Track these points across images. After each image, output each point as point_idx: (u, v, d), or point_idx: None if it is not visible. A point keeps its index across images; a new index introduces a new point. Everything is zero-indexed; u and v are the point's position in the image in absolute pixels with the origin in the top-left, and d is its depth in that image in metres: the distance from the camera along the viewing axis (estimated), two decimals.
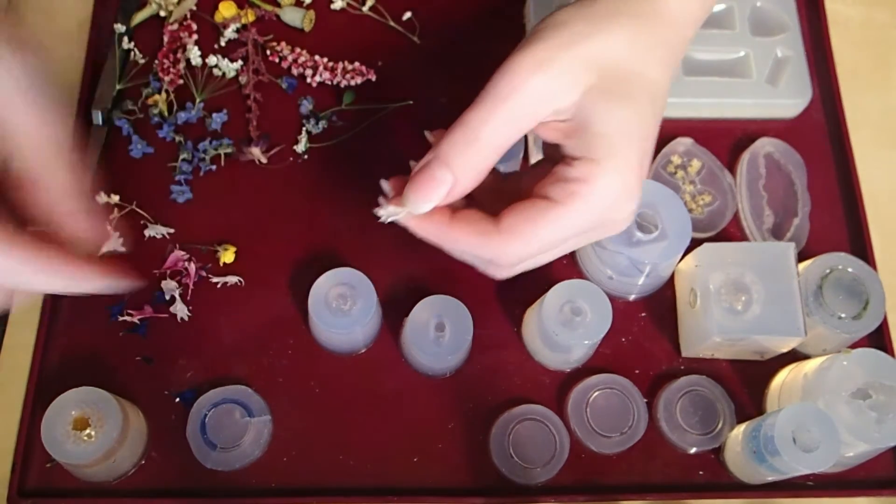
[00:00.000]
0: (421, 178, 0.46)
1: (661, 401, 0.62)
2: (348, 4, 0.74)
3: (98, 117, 0.68)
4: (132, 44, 0.71)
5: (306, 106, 0.70)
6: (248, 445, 0.60)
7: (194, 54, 0.70)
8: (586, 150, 0.48)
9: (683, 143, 0.70)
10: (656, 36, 0.50)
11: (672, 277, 0.66)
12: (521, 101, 0.46)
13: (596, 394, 0.62)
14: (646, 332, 0.65)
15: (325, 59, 0.71)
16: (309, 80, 0.71)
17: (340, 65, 0.71)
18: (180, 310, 0.63)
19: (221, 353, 0.63)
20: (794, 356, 0.63)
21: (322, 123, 0.69)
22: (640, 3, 0.49)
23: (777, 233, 0.68)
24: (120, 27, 0.70)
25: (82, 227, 0.42)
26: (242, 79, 0.70)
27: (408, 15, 0.74)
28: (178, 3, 0.72)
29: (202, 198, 0.67)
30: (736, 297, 0.60)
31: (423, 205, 0.47)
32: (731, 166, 0.70)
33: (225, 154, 0.68)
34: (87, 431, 0.55)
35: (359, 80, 0.71)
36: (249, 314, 0.64)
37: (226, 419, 0.60)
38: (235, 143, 0.69)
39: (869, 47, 0.76)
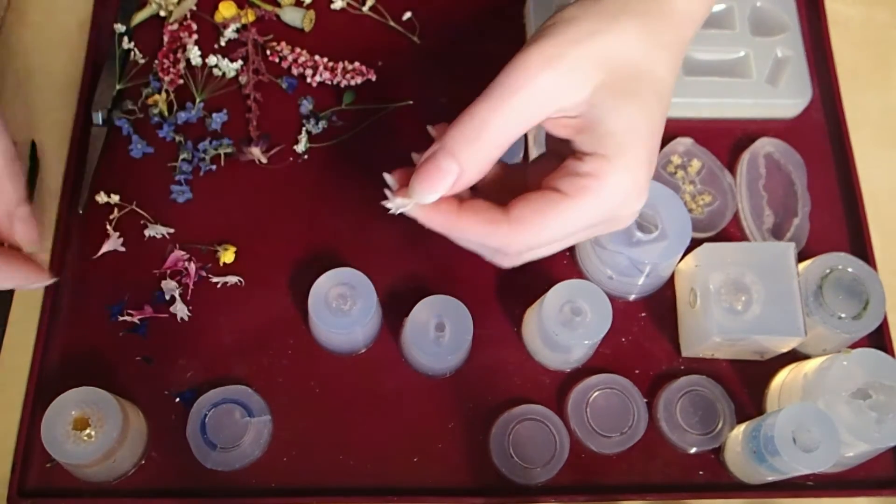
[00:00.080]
0: (427, 169, 0.47)
1: (661, 401, 0.62)
2: (348, 4, 0.74)
3: (98, 117, 0.68)
4: (132, 44, 0.71)
5: (306, 106, 0.70)
6: (248, 445, 0.60)
7: (194, 54, 0.70)
8: (597, 147, 0.48)
9: (683, 143, 0.70)
10: (663, 34, 0.50)
11: (672, 277, 0.66)
12: (530, 96, 0.47)
13: (596, 394, 0.62)
14: (646, 332, 0.65)
15: (325, 59, 0.71)
16: (309, 80, 0.71)
17: (340, 65, 0.71)
18: (180, 310, 0.63)
19: (221, 353, 0.63)
20: (794, 356, 0.63)
21: (322, 123, 0.69)
22: (647, 2, 0.50)
23: (777, 233, 0.68)
24: (120, 27, 0.70)
25: (25, 232, 0.51)
26: (242, 79, 0.70)
27: (408, 15, 0.74)
28: (178, 3, 0.72)
29: (202, 198, 0.67)
30: (736, 297, 0.60)
31: (429, 195, 0.47)
32: (731, 166, 0.70)
33: (225, 154, 0.68)
34: (87, 431, 0.55)
35: (359, 80, 0.71)
36: (249, 314, 0.64)
37: (226, 419, 0.60)
38: (235, 143, 0.69)
39: (869, 47, 0.76)
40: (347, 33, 0.73)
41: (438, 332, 0.60)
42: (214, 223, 0.66)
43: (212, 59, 0.70)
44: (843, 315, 0.61)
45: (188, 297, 0.64)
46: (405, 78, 0.72)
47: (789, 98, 0.71)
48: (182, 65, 0.70)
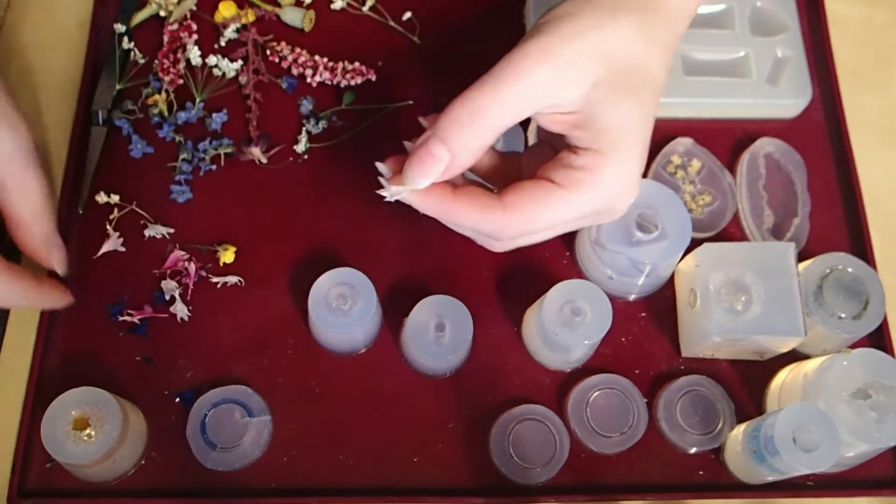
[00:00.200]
0: (418, 155, 0.48)
1: (661, 401, 0.62)
2: (348, 4, 0.74)
3: (98, 117, 0.68)
4: (132, 44, 0.71)
5: (306, 106, 0.70)
6: (248, 445, 0.60)
7: (194, 54, 0.70)
8: (592, 143, 0.49)
9: (683, 143, 0.70)
10: (657, 31, 0.51)
11: (672, 277, 0.66)
12: (525, 87, 0.47)
13: (596, 394, 0.62)
14: (646, 332, 0.65)
15: (325, 59, 0.71)
16: (309, 80, 0.71)
17: (340, 65, 0.71)
18: (180, 310, 0.63)
19: (221, 353, 0.63)
20: (794, 356, 0.63)
21: (322, 123, 0.69)
22: None
23: (777, 233, 0.68)
24: (120, 27, 0.70)
25: (60, 259, 0.58)
26: (242, 79, 0.70)
27: (408, 15, 0.74)
28: (178, 3, 0.72)
29: (202, 198, 0.67)
30: (736, 297, 0.60)
31: (422, 180, 0.48)
32: (731, 166, 0.70)
33: (225, 154, 0.68)
34: (87, 431, 0.55)
35: (359, 80, 0.71)
36: (249, 314, 0.64)
37: (226, 419, 0.60)
38: (235, 143, 0.69)
39: (869, 47, 0.76)
40: (347, 33, 0.73)
41: (438, 332, 0.60)
42: (214, 223, 0.66)
43: (212, 59, 0.70)
44: (843, 315, 0.61)
45: (188, 297, 0.64)
46: (405, 78, 0.72)
47: (789, 98, 0.71)
48: (182, 65, 0.70)
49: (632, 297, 0.66)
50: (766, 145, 0.70)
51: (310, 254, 0.66)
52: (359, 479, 0.60)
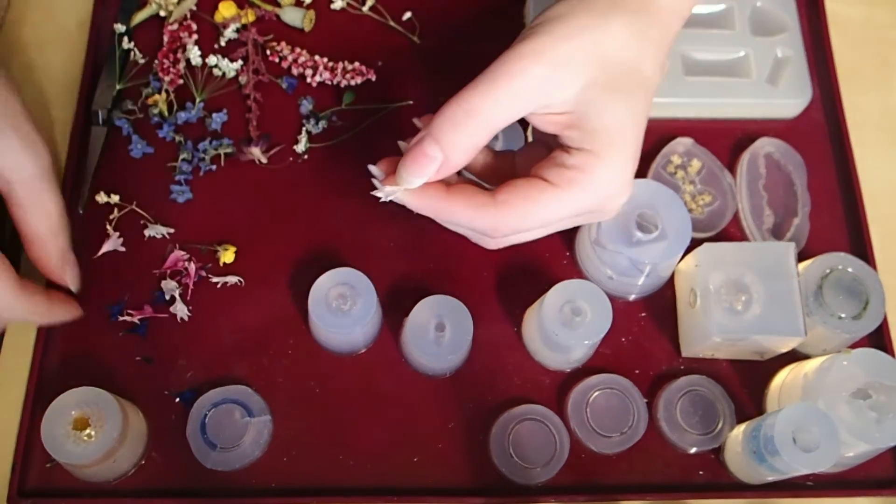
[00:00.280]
0: (412, 154, 0.48)
1: (661, 401, 0.62)
2: (348, 4, 0.74)
3: (98, 117, 0.68)
4: (132, 44, 0.71)
5: (306, 106, 0.70)
6: (248, 445, 0.60)
7: (194, 54, 0.70)
8: (585, 143, 0.49)
9: (683, 143, 0.70)
10: (650, 31, 0.51)
11: (672, 277, 0.66)
12: (519, 87, 0.48)
13: (596, 394, 0.62)
14: (646, 332, 0.65)
15: (325, 59, 0.71)
16: (309, 80, 0.71)
17: (340, 65, 0.71)
18: (180, 310, 0.63)
19: (221, 353, 0.63)
20: (794, 356, 0.63)
21: (322, 123, 0.69)
22: None
23: (777, 233, 0.68)
24: (120, 27, 0.70)
25: (74, 276, 0.59)
26: (242, 79, 0.70)
27: (408, 15, 0.74)
28: (178, 3, 0.72)
29: (202, 198, 0.67)
30: (736, 297, 0.60)
31: (416, 180, 0.49)
32: (731, 166, 0.70)
33: (225, 154, 0.68)
34: (87, 431, 0.55)
35: (359, 80, 0.71)
36: (249, 314, 0.64)
37: (226, 419, 0.60)
38: (235, 143, 0.69)
39: (869, 47, 0.76)
40: (347, 33, 0.73)
41: (438, 332, 0.60)
42: (214, 223, 0.66)
43: (212, 59, 0.70)
44: (843, 315, 0.61)
45: (188, 297, 0.64)
46: (405, 78, 0.72)
47: (789, 98, 0.71)
48: (182, 65, 0.70)
49: (632, 297, 0.66)
50: (766, 145, 0.70)
51: (310, 254, 0.66)
52: (359, 479, 0.60)
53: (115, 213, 0.66)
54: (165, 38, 0.71)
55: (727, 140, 0.71)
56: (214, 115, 0.69)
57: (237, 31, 0.72)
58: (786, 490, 0.61)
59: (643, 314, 0.66)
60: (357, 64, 0.71)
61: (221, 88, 0.71)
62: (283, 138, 0.69)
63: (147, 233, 0.65)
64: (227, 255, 0.65)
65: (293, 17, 0.73)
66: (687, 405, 0.62)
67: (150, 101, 0.69)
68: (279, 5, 0.74)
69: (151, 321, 0.63)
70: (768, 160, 0.70)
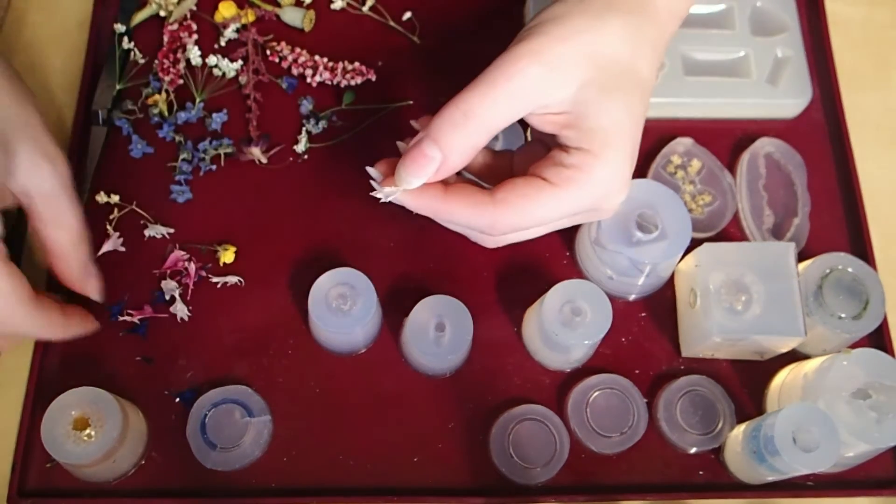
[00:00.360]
0: (411, 155, 0.49)
1: (661, 401, 0.62)
2: (348, 4, 0.74)
3: (98, 117, 0.68)
4: (132, 44, 0.71)
5: (306, 106, 0.70)
6: (248, 445, 0.60)
7: (194, 54, 0.70)
8: (582, 142, 0.50)
9: (683, 143, 0.70)
10: (647, 32, 0.51)
11: (672, 277, 0.66)
12: (516, 88, 0.48)
13: (596, 394, 0.62)
14: (646, 332, 0.65)
15: (325, 59, 0.71)
16: (309, 80, 0.71)
17: (340, 65, 0.71)
18: (180, 310, 0.63)
19: (221, 353, 0.63)
20: (794, 356, 0.63)
21: (322, 123, 0.69)
22: (631, 0, 0.51)
23: (777, 233, 0.68)
24: (120, 27, 0.70)
25: (96, 287, 0.60)
26: (242, 79, 0.70)
27: (408, 15, 0.74)
28: (178, 3, 0.72)
29: (202, 198, 0.67)
30: (736, 297, 0.60)
31: (414, 180, 0.49)
32: (731, 166, 0.70)
33: (225, 154, 0.68)
34: (87, 431, 0.55)
35: (359, 80, 0.71)
36: (249, 314, 0.64)
37: (226, 419, 0.60)
38: (235, 143, 0.69)
39: (869, 47, 0.76)
40: (347, 33, 0.73)
41: (438, 332, 0.60)
42: (214, 223, 0.66)
43: (212, 59, 0.70)
44: (843, 315, 0.61)
45: (188, 297, 0.64)
46: (405, 78, 0.72)
47: (789, 98, 0.71)
48: (182, 65, 0.70)
49: (632, 297, 0.66)
50: (766, 145, 0.70)
51: (310, 254, 0.66)
52: (359, 479, 0.60)
53: (115, 213, 0.66)
54: (165, 38, 0.71)
55: (727, 140, 0.71)
56: (214, 115, 0.69)
57: (237, 31, 0.72)
58: (786, 490, 0.61)
59: (643, 314, 0.66)
60: (357, 64, 0.71)
61: (221, 88, 0.71)
62: (283, 138, 0.69)
63: (147, 233, 0.65)
64: (227, 255, 0.65)
65: (293, 17, 0.73)
66: (687, 405, 0.62)
67: (150, 101, 0.69)
68: (279, 5, 0.74)
69: (151, 321, 0.63)
70: (768, 160, 0.70)
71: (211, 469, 0.59)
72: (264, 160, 0.68)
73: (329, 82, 0.71)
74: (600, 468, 0.61)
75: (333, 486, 0.60)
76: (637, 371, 0.64)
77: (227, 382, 0.61)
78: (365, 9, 0.74)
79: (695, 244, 0.62)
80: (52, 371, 0.62)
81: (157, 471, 0.60)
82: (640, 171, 0.69)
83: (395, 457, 0.61)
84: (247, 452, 0.60)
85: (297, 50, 0.71)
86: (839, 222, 0.69)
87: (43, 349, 0.62)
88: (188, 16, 0.72)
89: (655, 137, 0.70)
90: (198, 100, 0.69)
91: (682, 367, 0.64)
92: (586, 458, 0.61)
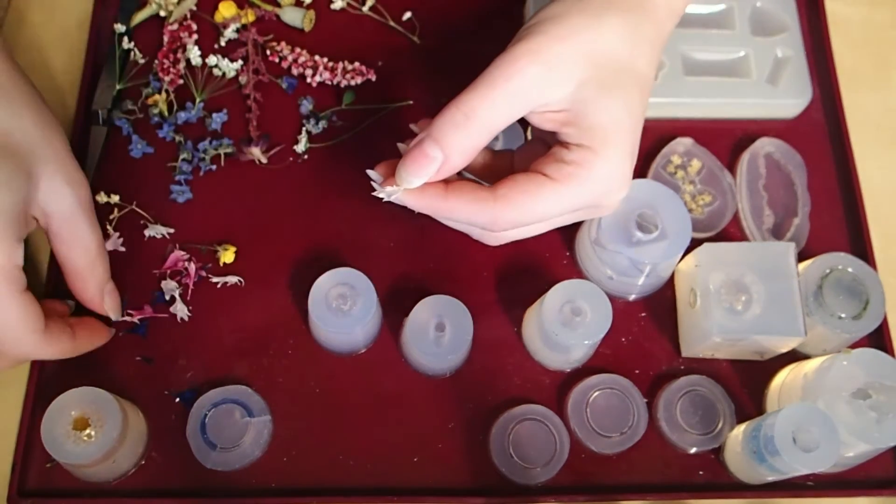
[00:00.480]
0: (413, 155, 0.49)
1: (661, 401, 0.62)
2: (348, 4, 0.74)
3: (98, 117, 0.68)
4: (132, 44, 0.71)
5: (306, 106, 0.70)
6: (248, 445, 0.60)
7: (194, 54, 0.70)
8: (582, 139, 0.50)
9: (683, 143, 0.70)
10: (645, 30, 0.52)
11: (672, 277, 0.66)
12: (516, 88, 0.49)
13: (596, 394, 0.62)
14: (646, 332, 0.65)
15: (325, 59, 0.71)
16: (309, 80, 0.71)
17: (340, 65, 0.71)
18: (180, 310, 0.63)
19: (221, 353, 0.63)
20: (794, 356, 0.63)
21: (322, 123, 0.69)
22: None
23: (777, 233, 0.68)
24: (120, 27, 0.70)
25: (112, 305, 0.60)
26: (242, 79, 0.70)
27: (408, 15, 0.74)
28: (178, 3, 0.72)
29: (202, 198, 0.67)
30: (736, 297, 0.60)
31: (415, 180, 0.50)
32: (731, 166, 0.70)
33: (225, 154, 0.68)
34: (87, 431, 0.55)
35: (359, 80, 0.71)
36: (249, 314, 0.64)
37: (226, 419, 0.60)
38: (235, 143, 0.69)
39: (869, 47, 0.76)
40: (347, 33, 0.73)
41: (438, 332, 0.60)
42: (214, 223, 0.66)
43: (212, 59, 0.70)
44: (843, 315, 0.61)
45: (188, 297, 0.64)
46: (405, 78, 0.72)
47: (789, 98, 0.71)
48: (182, 65, 0.70)
49: (632, 297, 0.66)
50: (766, 145, 0.70)
51: (310, 254, 0.66)
52: (359, 479, 0.60)
53: (115, 213, 0.66)
54: (165, 38, 0.71)
55: (727, 140, 0.71)
56: (214, 115, 0.69)
57: (237, 31, 0.72)
58: (786, 490, 0.61)
59: (643, 314, 0.66)
60: (357, 64, 0.71)
61: (221, 88, 0.71)
62: (283, 138, 0.69)
63: (147, 233, 0.65)
64: (227, 255, 0.65)
65: (293, 17, 0.73)
66: (687, 405, 0.62)
67: (150, 101, 0.69)
68: (279, 5, 0.74)
69: (151, 321, 0.63)
70: (768, 160, 0.70)
71: (211, 469, 0.59)
72: (264, 160, 0.68)
73: (329, 82, 0.71)
74: (600, 468, 0.61)
75: (333, 486, 0.60)
76: (637, 371, 0.64)
77: (227, 382, 0.61)
78: (365, 9, 0.74)
79: (695, 244, 0.62)
80: (52, 371, 0.62)
81: (157, 471, 0.60)
82: (640, 171, 0.69)
83: (395, 457, 0.61)
84: (247, 452, 0.60)
85: (297, 50, 0.71)
86: (839, 222, 0.69)
87: None
88: (188, 16, 0.72)
89: (655, 137, 0.70)
90: (198, 100, 0.69)
91: (682, 367, 0.64)
92: (586, 458, 0.61)
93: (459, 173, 0.53)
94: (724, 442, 0.61)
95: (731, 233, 0.68)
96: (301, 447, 0.61)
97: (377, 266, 0.63)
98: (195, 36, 0.71)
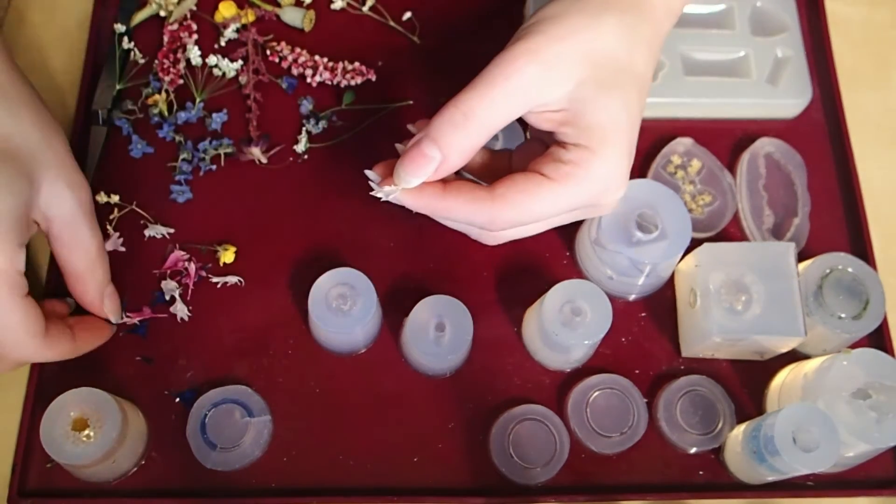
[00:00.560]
0: (411, 155, 0.49)
1: (661, 401, 0.62)
2: (348, 4, 0.74)
3: (98, 117, 0.68)
4: (132, 44, 0.71)
5: (306, 106, 0.70)
6: (248, 445, 0.60)
7: (194, 54, 0.70)
8: (580, 139, 0.50)
9: (683, 143, 0.70)
10: (643, 30, 0.52)
11: (672, 277, 0.66)
12: (514, 87, 0.49)
13: (596, 394, 0.62)
14: (646, 332, 0.65)
15: (325, 59, 0.71)
16: (309, 80, 0.71)
17: (340, 65, 0.71)
18: (180, 310, 0.63)
19: (221, 353, 0.63)
20: (794, 356, 0.63)
21: (322, 123, 0.69)
22: None
23: (777, 233, 0.68)
24: (120, 27, 0.70)
25: (112, 307, 0.60)
26: (242, 79, 0.70)
27: (408, 15, 0.74)
28: (178, 3, 0.72)
29: (202, 198, 0.67)
30: (736, 297, 0.60)
31: (413, 180, 0.50)
32: (731, 166, 0.70)
33: (225, 154, 0.68)
34: (87, 432, 0.55)
35: (359, 80, 0.71)
36: (249, 314, 0.64)
37: (226, 419, 0.60)
38: (235, 143, 0.69)
39: (869, 47, 0.76)
40: (347, 33, 0.73)
41: (438, 332, 0.60)
42: (214, 223, 0.66)
43: (212, 59, 0.70)
44: (843, 315, 0.61)
45: (188, 298, 0.64)
46: (405, 78, 0.72)
47: (789, 98, 0.71)
48: (182, 65, 0.70)
49: (632, 297, 0.66)
50: (766, 145, 0.70)
51: (310, 254, 0.66)
52: (359, 479, 0.60)
53: (115, 213, 0.66)
54: (165, 38, 0.71)
55: (727, 140, 0.71)
56: (214, 115, 0.69)
57: (237, 31, 0.72)
58: (786, 490, 0.61)
59: (643, 314, 0.66)
60: (357, 64, 0.71)
61: (221, 88, 0.71)
62: (283, 138, 0.69)
63: (147, 233, 0.65)
64: (227, 255, 0.65)
65: (293, 17, 0.73)
66: (687, 405, 0.62)
67: (150, 101, 0.69)
68: (279, 5, 0.74)
69: (151, 321, 0.63)
70: (768, 160, 0.70)
71: (211, 469, 0.59)
72: (264, 160, 0.68)
73: (329, 82, 0.71)
74: (600, 468, 0.61)
75: (333, 486, 0.60)
76: (637, 371, 0.64)
77: (227, 382, 0.61)
78: (365, 9, 0.74)
79: (695, 244, 0.62)
80: (52, 372, 0.61)
81: (157, 471, 0.60)
82: (640, 171, 0.69)
83: (395, 457, 0.61)
84: (247, 452, 0.60)
85: (297, 50, 0.71)
86: (839, 222, 0.69)
87: None
88: (188, 16, 0.72)
89: (655, 137, 0.70)
90: (198, 100, 0.69)
91: (682, 367, 0.64)
92: (586, 458, 0.61)
93: (458, 173, 0.53)
94: (724, 442, 0.61)
95: (731, 233, 0.68)
96: (301, 447, 0.61)
97: (377, 266, 0.63)
98: (195, 36, 0.71)
